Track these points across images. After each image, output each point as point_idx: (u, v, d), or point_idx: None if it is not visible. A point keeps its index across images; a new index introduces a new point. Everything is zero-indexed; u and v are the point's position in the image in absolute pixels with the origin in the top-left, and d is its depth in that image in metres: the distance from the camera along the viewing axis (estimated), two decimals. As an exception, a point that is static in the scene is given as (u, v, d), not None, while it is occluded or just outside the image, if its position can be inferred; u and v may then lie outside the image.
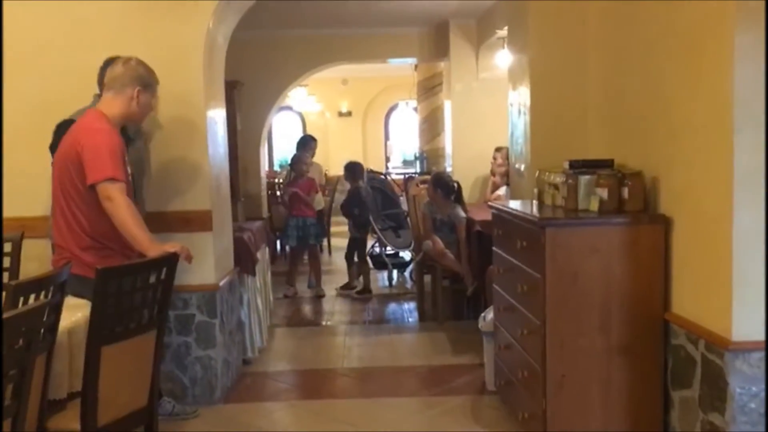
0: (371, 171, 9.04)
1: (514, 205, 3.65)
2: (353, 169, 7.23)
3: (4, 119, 3.74)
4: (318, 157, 8.43)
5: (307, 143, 7.77)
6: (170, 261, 2.71)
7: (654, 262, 2.91)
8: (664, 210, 2.93)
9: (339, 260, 8.41)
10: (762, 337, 2.40)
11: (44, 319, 2.03)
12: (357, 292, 6.97)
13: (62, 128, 3.29)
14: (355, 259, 7.18)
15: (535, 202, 3.58)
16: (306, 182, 7.11)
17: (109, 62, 3.33)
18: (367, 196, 7.12)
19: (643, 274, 2.91)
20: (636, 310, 2.92)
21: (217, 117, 4.12)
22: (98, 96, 3.36)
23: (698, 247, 2.68)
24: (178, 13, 3.77)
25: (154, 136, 3.74)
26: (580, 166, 3.22)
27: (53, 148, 3.30)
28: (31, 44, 3.77)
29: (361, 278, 7.11)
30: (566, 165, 3.28)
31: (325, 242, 9.01)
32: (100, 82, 3.34)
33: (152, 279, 2.63)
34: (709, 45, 2.54)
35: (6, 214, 3.67)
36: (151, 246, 2.84)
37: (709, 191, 2.57)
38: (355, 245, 7.17)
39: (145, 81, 3.05)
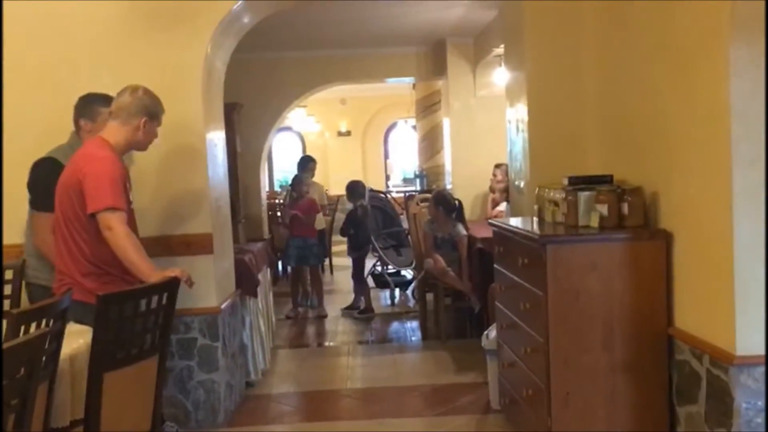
0: (372, 190, 9.06)
1: (515, 222, 3.65)
2: (354, 189, 7.24)
3: (6, 145, 3.75)
4: (318, 177, 8.45)
5: (305, 164, 7.79)
6: (171, 285, 2.71)
7: (656, 278, 2.90)
8: (665, 225, 2.93)
9: (341, 280, 8.41)
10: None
11: (46, 347, 2.02)
12: (359, 312, 6.95)
13: (40, 166, 3.30)
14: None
15: (535, 218, 3.58)
16: (306, 203, 7.12)
17: (78, 100, 3.35)
18: (365, 216, 7.13)
19: (645, 289, 2.90)
20: (639, 326, 2.91)
21: (217, 140, 4.14)
22: (74, 133, 3.37)
23: (700, 261, 2.68)
24: (176, 39, 3.80)
25: (152, 160, 3.74)
26: (579, 182, 3.22)
27: (31, 186, 3.30)
28: (33, 69, 3.79)
29: (362, 298, 7.09)
30: (565, 181, 3.28)
31: (326, 262, 9.00)
32: (75, 120, 3.34)
33: (154, 304, 2.62)
34: (704, 59, 2.55)
35: (7, 241, 3.67)
36: (152, 274, 2.84)
37: (708, 205, 2.57)
38: (356, 265, 7.17)
39: (152, 111, 3.06)
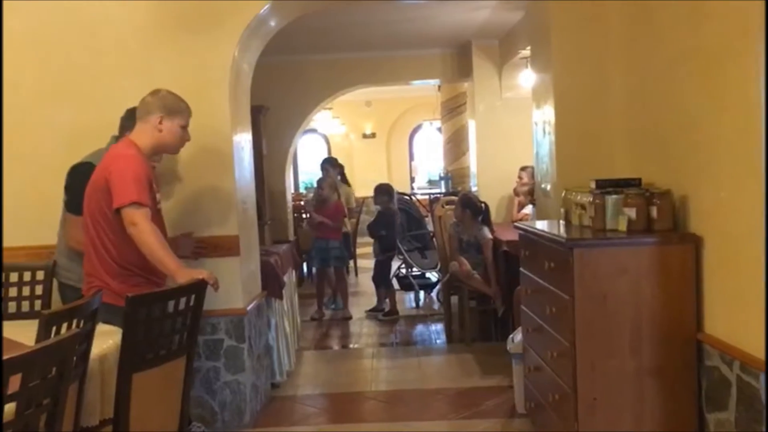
0: (396, 192, 9.06)
1: (541, 225, 3.63)
2: (387, 191, 7.23)
3: (37, 149, 3.82)
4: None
5: (323, 168, 7.75)
6: (199, 287, 2.74)
7: (685, 282, 2.87)
8: (694, 229, 2.89)
9: (365, 282, 8.41)
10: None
11: (77, 347, 2.05)
12: (383, 314, 6.95)
13: (77, 170, 3.34)
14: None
15: (562, 222, 3.55)
16: (332, 207, 7.13)
17: (127, 111, 3.39)
18: (394, 219, 7.13)
19: (674, 294, 2.87)
20: (668, 331, 2.87)
21: (244, 142, 4.17)
22: (115, 138, 3.42)
23: (730, 265, 2.64)
24: (204, 42, 3.83)
25: (180, 162, 3.79)
26: (606, 186, 3.19)
27: (68, 189, 3.35)
28: (62, 73, 3.85)
29: (387, 300, 7.09)
30: (593, 184, 3.26)
31: (351, 264, 9.01)
32: (121, 128, 3.39)
33: (182, 305, 2.65)
34: (733, 60, 2.52)
35: (39, 242, 3.74)
36: (179, 270, 2.86)
37: (739, 209, 2.53)
38: (382, 267, 7.17)
39: (170, 108, 3.08)
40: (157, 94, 3.09)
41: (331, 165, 7.85)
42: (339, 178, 7.61)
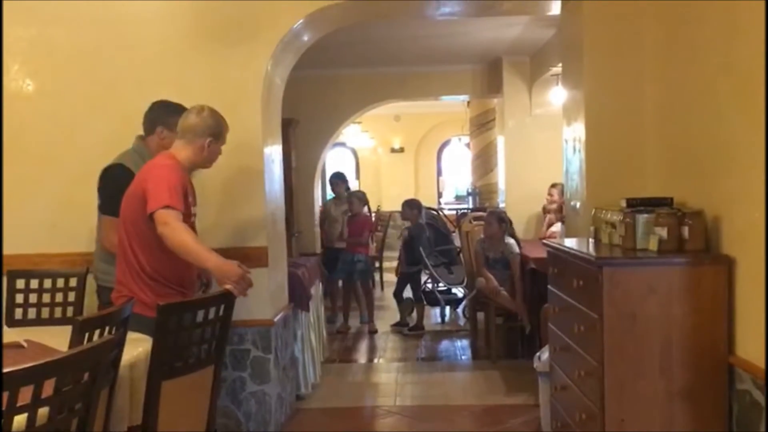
0: (424, 207, 9.07)
1: (570, 243, 3.60)
2: (417, 206, 7.23)
3: (75, 157, 3.90)
4: (370, 193, 8.43)
5: (334, 183, 7.61)
6: (228, 297, 2.76)
7: (717, 304, 2.82)
8: (727, 250, 2.85)
9: (391, 296, 8.41)
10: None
11: (109, 354, 2.08)
12: (409, 329, 6.94)
13: (108, 172, 3.39)
14: (407, 295, 7.17)
15: (591, 240, 3.52)
16: (360, 221, 7.15)
17: (157, 105, 3.45)
18: (422, 233, 7.14)
19: (706, 316, 2.83)
20: (698, 353, 2.83)
21: (274, 155, 4.21)
22: (140, 137, 3.47)
23: (763, 288, 2.60)
24: (238, 57, 3.89)
25: (212, 174, 3.83)
26: (637, 204, 3.16)
27: (100, 191, 3.41)
28: (101, 84, 3.94)
29: (414, 314, 7.08)
30: (623, 203, 3.23)
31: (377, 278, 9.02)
32: (145, 124, 3.45)
33: (211, 315, 2.68)
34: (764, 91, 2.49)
35: (72, 249, 3.81)
36: (210, 257, 2.86)
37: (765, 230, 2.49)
38: (408, 281, 7.17)
39: (216, 132, 3.11)
40: (202, 115, 3.09)
41: (341, 179, 7.76)
42: (346, 193, 7.53)
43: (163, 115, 3.41)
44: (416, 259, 7.14)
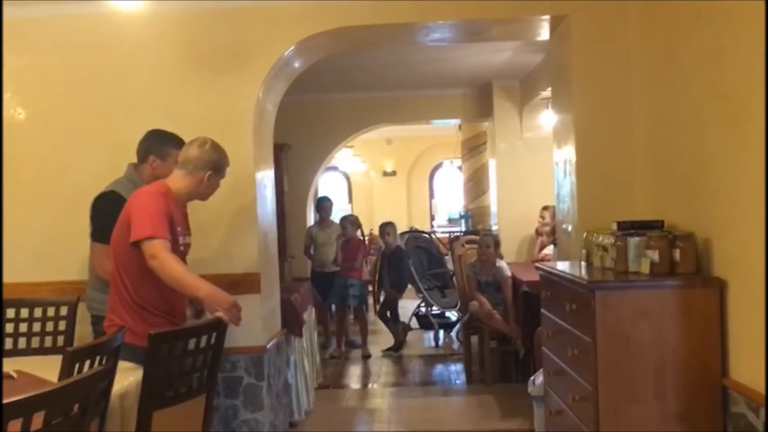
0: (416, 230, 9.08)
1: (562, 266, 3.61)
2: (393, 229, 7.34)
3: (65, 186, 3.89)
4: (363, 216, 8.44)
5: (321, 208, 7.47)
6: (220, 325, 2.75)
7: (709, 327, 2.83)
8: (718, 272, 2.86)
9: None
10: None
11: (99, 385, 2.06)
12: (386, 349, 6.96)
13: (101, 199, 3.39)
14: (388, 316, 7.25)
15: (583, 263, 3.53)
16: (354, 245, 7.15)
17: (150, 134, 3.46)
18: (401, 257, 7.26)
19: (699, 338, 2.83)
20: (692, 376, 2.83)
21: (266, 180, 4.22)
22: (133, 165, 3.47)
23: (756, 310, 2.60)
24: (229, 84, 3.91)
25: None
26: (628, 228, 3.18)
27: (93, 218, 3.40)
28: (93, 111, 3.94)
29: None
30: (614, 226, 3.24)
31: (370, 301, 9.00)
32: (138, 152, 3.44)
33: (203, 343, 2.66)
34: (757, 103, 2.51)
35: (62, 278, 3.79)
36: (202, 285, 2.83)
37: (764, 252, 2.50)
38: (391, 303, 7.24)
39: (217, 166, 3.10)
40: (204, 148, 3.08)
41: (329, 203, 7.67)
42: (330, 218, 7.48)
43: (155, 145, 3.41)
44: (398, 282, 7.20)
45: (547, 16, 3.95)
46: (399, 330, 7.15)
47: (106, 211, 3.29)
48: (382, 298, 7.53)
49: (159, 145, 3.41)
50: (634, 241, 3.06)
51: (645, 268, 2.99)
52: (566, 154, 4.08)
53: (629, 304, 2.87)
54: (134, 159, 3.48)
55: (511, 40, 5.44)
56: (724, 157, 2.79)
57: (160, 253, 2.82)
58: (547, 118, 6.59)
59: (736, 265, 2.74)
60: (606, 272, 3.19)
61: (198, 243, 3.79)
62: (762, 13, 2.40)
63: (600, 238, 3.34)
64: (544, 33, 4.24)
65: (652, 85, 3.58)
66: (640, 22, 3.67)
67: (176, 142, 3.41)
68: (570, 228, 4.06)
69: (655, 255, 2.96)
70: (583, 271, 3.35)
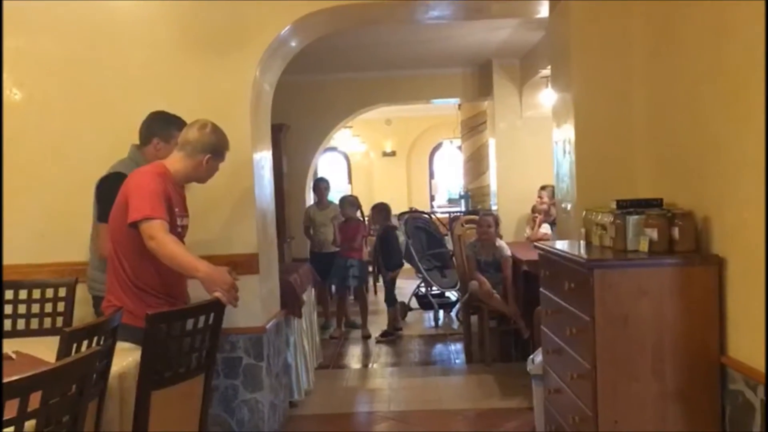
0: (415, 210, 9.08)
1: (561, 245, 3.60)
2: (386, 209, 7.33)
3: (65, 168, 3.88)
4: (362, 197, 8.42)
5: (318, 189, 7.41)
6: (218, 306, 2.75)
7: (708, 304, 2.82)
8: (717, 250, 2.85)
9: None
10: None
11: (97, 365, 2.07)
12: (380, 335, 6.93)
13: (105, 180, 3.38)
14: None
15: (582, 242, 3.52)
16: (352, 226, 7.14)
17: (154, 116, 3.44)
18: (393, 238, 7.27)
19: (697, 316, 2.83)
20: (690, 353, 2.83)
21: (264, 160, 4.20)
22: (136, 146, 3.46)
23: (754, 287, 2.60)
24: (226, 64, 3.88)
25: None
26: (627, 206, 3.16)
27: (98, 199, 3.39)
28: (92, 94, 3.92)
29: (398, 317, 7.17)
30: (613, 204, 3.23)
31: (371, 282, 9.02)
32: (141, 134, 3.44)
33: (201, 324, 2.66)
34: (757, 81, 2.49)
35: (61, 259, 3.79)
36: (200, 266, 2.82)
37: (762, 230, 2.49)
38: (390, 286, 7.25)
39: (217, 149, 3.09)
40: (204, 131, 3.06)
41: (325, 184, 7.66)
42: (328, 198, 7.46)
43: (159, 127, 3.40)
44: (392, 263, 7.20)
45: (546, -6, 3.91)
46: (394, 312, 7.15)
47: (112, 191, 3.27)
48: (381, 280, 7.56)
49: (162, 127, 3.40)
50: (632, 219, 3.05)
51: (644, 247, 2.98)
52: (566, 133, 4.06)
53: (628, 283, 2.86)
54: (133, 140, 3.47)
55: (510, 18, 5.40)
56: (723, 134, 2.77)
57: (158, 234, 2.82)
58: (547, 97, 6.55)
59: (735, 242, 2.73)
60: (605, 251, 3.19)
61: (196, 224, 3.79)
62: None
63: (599, 217, 3.33)
64: (543, 10, 4.21)
65: (651, 63, 3.55)
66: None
67: (180, 124, 3.39)
68: (569, 207, 4.05)
69: (653, 233, 2.95)
70: (582, 250, 3.34)
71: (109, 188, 3.34)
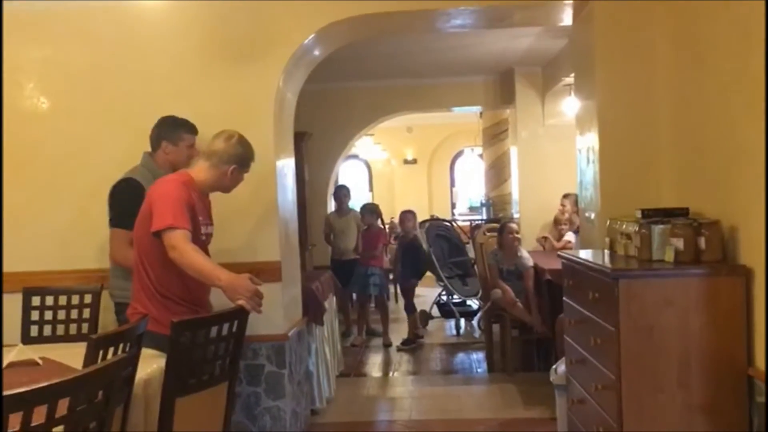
0: (437, 218, 9.07)
1: (585, 254, 3.58)
2: (413, 216, 7.36)
3: (88, 175, 3.92)
4: (383, 205, 8.43)
5: (337, 197, 7.44)
6: (242, 313, 2.76)
7: (735, 315, 2.78)
8: (745, 260, 2.81)
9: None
10: None
11: (122, 372, 2.08)
12: (401, 343, 6.91)
13: (117, 186, 3.43)
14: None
15: (606, 251, 3.50)
16: (373, 234, 7.14)
17: (162, 121, 3.49)
18: (415, 246, 7.26)
19: (724, 327, 2.79)
20: (717, 365, 2.79)
21: (286, 168, 4.22)
22: (149, 153, 3.50)
23: (782, 299, 2.56)
24: (250, 72, 3.91)
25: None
26: (653, 215, 3.14)
27: (111, 205, 3.44)
28: (117, 102, 3.96)
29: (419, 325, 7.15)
30: (638, 214, 3.20)
31: (392, 290, 9.01)
32: (151, 140, 3.48)
33: (224, 331, 2.67)
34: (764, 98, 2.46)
35: (86, 266, 3.83)
36: (222, 275, 2.82)
37: (792, 241, 2.46)
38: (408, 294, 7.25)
39: (242, 160, 3.12)
40: (230, 141, 3.09)
41: (345, 192, 7.67)
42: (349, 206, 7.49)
43: (167, 131, 3.45)
44: (411, 272, 7.21)
45: (570, 1, 3.90)
46: (415, 320, 7.13)
47: (124, 197, 3.34)
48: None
49: (171, 130, 3.45)
50: (658, 228, 3.02)
51: (669, 257, 2.95)
52: (589, 141, 4.04)
53: (653, 293, 2.83)
54: None
55: (533, 26, 5.38)
56: (751, 143, 2.73)
57: (179, 244, 2.84)
58: (570, 105, 6.52)
59: (762, 252, 2.69)
60: (630, 260, 3.16)
61: (219, 232, 3.81)
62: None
63: (624, 226, 3.30)
64: (567, 18, 4.19)
65: (676, 70, 3.52)
66: (665, 6, 3.60)
67: (188, 126, 3.45)
68: (593, 216, 4.02)
69: (679, 243, 2.92)
70: (607, 260, 3.32)
71: (120, 194, 3.40)
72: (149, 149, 3.52)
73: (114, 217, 3.41)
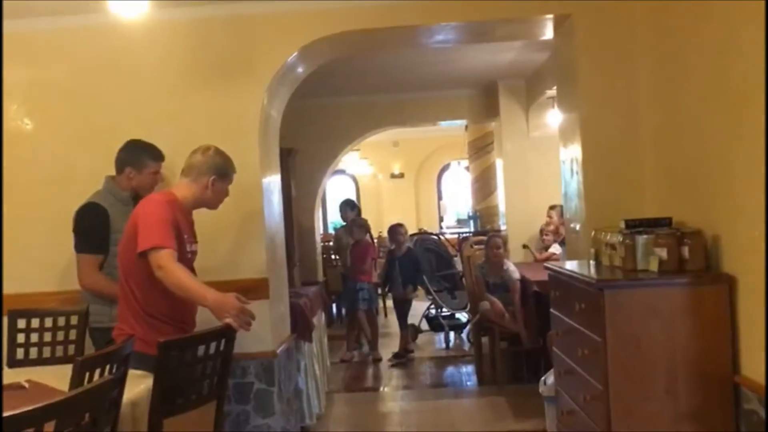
0: (425, 232, 9.09)
1: (571, 265, 3.60)
2: (405, 230, 7.35)
3: (73, 195, 3.90)
4: (371, 219, 8.45)
5: (343, 210, 7.69)
6: (228, 332, 2.75)
7: (719, 323, 2.81)
8: (727, 269, 2.84)
9: (396, 323, 8.38)
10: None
11: (109, 393, 2.07)
12: (393, 356, 6.90)
13: (82, 210, 3.44)
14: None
15: (592, 262, 3.52)
16: (362, 249, 7.15)
17: (127, 145, 3.50)
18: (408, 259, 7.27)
19: (709, 335, 2.81)
20: (703, 373, 2.81)
21: (273, 185, 4.22)
22: (111, 177, 3.51)
23: (765, 305, 2.59)
24: (234, 91, 3.92)
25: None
26: (636, 225, 3.16)
27: (75, 230, 3.45)
28: (101, 121, 3.96)
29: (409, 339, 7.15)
30: (622, 224, 3.23)
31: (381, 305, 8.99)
32: (116, 164, 3.50)
33: (212, 350, 2.66)
34: (763, 100, 2.50)
35: (71, 287, 3.78)
36: (207, 294, 2.82)
37: (773, 249, 2.49)
38: (404, 306, 7.24)
39: (221, 170, 3.13)
40: (207, 153, 3.11)
41: (350, 207, 7.81)
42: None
43: (132, 157, 3.47)
44: (414, 281, 7.22)
45: (550, 16, 3.94)
46: (407, 335, 7.13)
47: (88, 221, 3.37)
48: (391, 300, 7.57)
49: (135, 156, 3.47)
50: (642, 239, 3.05)
51: (654, 266, 2.98)
52: (573, 152, 4.07)
53: (638, 303, 2.86)
54: None
55: (515, 40, 5.43)
56: (731, 153, 2.77)
57: (166, 264, 2.83)
58: (554, 117, 6.57)
59: (745, 261, 2.72)
60: (615, 271, 3.18)
61: (205, 250, 3.80)
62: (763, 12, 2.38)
63: (608, 237, 3.33)
64: (548, 32, 4.24)
65: (658, 81, 3.56)
66: (645, 19, 3.65)
67: (153, 153, 3.47)
68: (578, 227, 4.05)
69: (663, 253, 2.95)
70: (592, 270, 3.34)
71: (83, 218, 3.42)
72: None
73: (79, 242, 3.42)
